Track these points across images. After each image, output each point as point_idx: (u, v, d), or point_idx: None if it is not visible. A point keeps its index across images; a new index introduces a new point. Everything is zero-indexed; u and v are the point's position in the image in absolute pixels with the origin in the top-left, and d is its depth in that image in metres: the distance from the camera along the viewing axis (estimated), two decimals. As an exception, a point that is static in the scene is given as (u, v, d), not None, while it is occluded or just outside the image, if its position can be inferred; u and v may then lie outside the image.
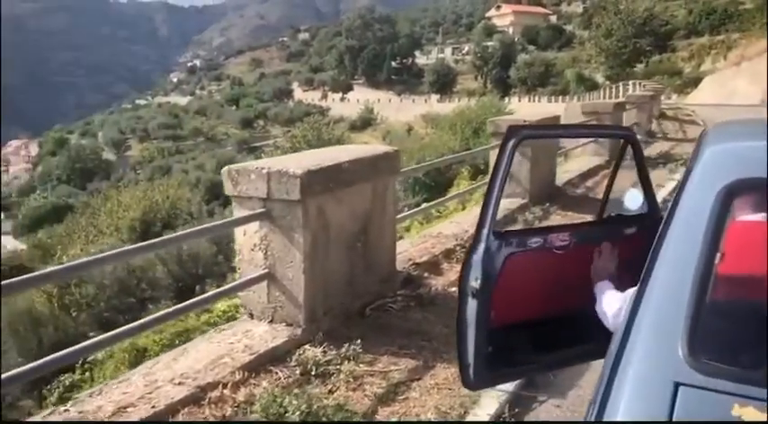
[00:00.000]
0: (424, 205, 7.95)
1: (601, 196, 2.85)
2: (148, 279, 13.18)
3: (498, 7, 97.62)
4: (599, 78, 51.48)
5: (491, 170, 2.36)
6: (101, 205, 23.67)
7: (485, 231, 2.21)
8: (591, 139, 8.96)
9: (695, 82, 39.97)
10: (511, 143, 2.23)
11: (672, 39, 52.98)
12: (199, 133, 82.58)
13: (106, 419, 2.76)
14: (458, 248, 5.40)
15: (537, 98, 52.97)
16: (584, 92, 44.87)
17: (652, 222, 2.59)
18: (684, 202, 1.49)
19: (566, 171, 9.12)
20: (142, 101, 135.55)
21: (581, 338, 2.46)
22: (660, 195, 8.07)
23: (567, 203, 7.39)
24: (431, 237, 5.69)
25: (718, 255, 1.38)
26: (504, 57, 66.78)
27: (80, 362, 7.47)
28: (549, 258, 2.43)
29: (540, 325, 2.48)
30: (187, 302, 3.61)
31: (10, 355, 12.54)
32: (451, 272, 4.90)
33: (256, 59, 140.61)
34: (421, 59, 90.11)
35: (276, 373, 3.25)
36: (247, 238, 3.66)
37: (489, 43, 74.00)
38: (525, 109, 42.32)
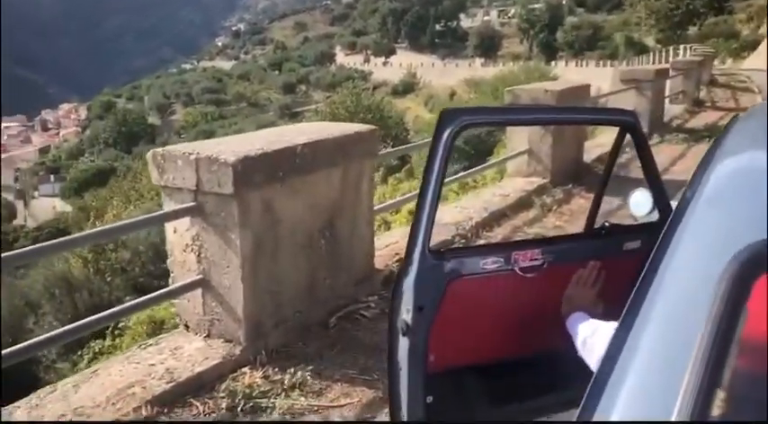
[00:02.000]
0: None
1: (636, 174, 2.21)
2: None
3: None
4: (649, 42, 49.01)
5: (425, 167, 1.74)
6: (142, 169, 23.91)
7: (417, 249, 1.72)
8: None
9: (753, 45, 37.39)
10: (447, 132, 1.69)
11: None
12: (242, 98, 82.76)
13: (107, 419, 2.47)
14: (456, 239, 4.72)
15: (584, 62, 50.86)
16: (633, 57, 42.75)
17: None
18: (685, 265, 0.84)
19: (597, 145, 8.22)
20: (188, 66, 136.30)
21: (556, 383, 1.93)
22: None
23: (595, 184, 6.56)
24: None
25: None
26: (550, 20, 64.36)
27: (110, 329, 7.21)
28: (512, 282, 1.87)
29: (502, 368, 1.95)
30: (113, 309, 3.06)
31: (45, 319, 12.65)
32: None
33: (300, 23, 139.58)
34: (465, 22, 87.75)
35: (196, 407, 2.67)
36: (178, 236, 3.05)
37: (536, 5, 71.47)
38: (571, 74, 40.80)
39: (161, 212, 3.01)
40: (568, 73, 43.95)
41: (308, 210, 3.30)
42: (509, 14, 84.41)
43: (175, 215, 2.95)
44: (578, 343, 1.58)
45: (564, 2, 72.81)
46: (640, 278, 0.99)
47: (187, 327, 3.16)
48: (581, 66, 49.90)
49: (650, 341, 0.81)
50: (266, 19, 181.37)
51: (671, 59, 27.96)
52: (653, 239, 2.02)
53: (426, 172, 1.71)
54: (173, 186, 2.95)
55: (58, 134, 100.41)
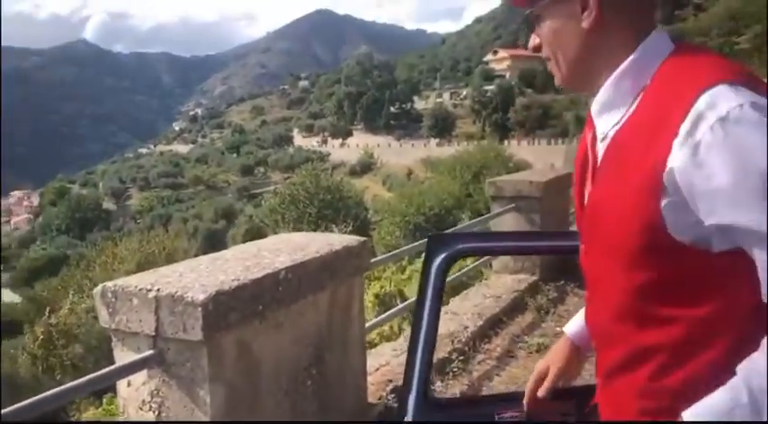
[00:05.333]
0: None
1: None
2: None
3: (495, 52, 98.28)
4: (600, 120, 50.80)
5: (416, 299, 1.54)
6: (96, 256, 23.20)
7: (412, 397, 1.52)
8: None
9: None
10: (439, 260, 1.49)
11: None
12: (199, 181, 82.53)
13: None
14: (454, 356, 4.18)
15: (536, 141, 52.33)
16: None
17: None
18: None
19: (579, 233, 7.90)
20: (144, 150, 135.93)
21: None
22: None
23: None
24: (419, 338, 4.46)
25: None
26: (502, 101, 66.54)
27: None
28: None
29: None
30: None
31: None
32: (446, 395, 3.67)
33: (257, 107, 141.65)
34: (419, 104, 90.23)
35: None
36: (132, 391, 2.45)
37: (487, 87, 74.02)
38: (524, 152, 41.67)
39: (111, 368, 2.40)
40: (521, 151, 45.11)
41: (292, 346, 2.75)
42: (461, 96, 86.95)
43: (129, 369, 2.35)
44: None
45: (513, 83, 75.54)
46: None
47: None
48: (533, 144, 51.29)
49: None
50: (224, 103, 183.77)
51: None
52: None
53: (418, 306, 1.51)
54: (126, 330, 2.38)
55: (8, 221, 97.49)
